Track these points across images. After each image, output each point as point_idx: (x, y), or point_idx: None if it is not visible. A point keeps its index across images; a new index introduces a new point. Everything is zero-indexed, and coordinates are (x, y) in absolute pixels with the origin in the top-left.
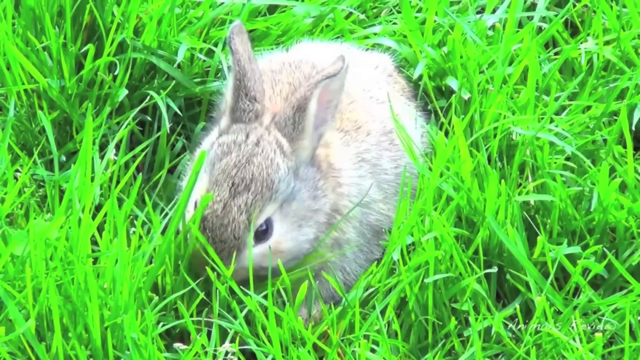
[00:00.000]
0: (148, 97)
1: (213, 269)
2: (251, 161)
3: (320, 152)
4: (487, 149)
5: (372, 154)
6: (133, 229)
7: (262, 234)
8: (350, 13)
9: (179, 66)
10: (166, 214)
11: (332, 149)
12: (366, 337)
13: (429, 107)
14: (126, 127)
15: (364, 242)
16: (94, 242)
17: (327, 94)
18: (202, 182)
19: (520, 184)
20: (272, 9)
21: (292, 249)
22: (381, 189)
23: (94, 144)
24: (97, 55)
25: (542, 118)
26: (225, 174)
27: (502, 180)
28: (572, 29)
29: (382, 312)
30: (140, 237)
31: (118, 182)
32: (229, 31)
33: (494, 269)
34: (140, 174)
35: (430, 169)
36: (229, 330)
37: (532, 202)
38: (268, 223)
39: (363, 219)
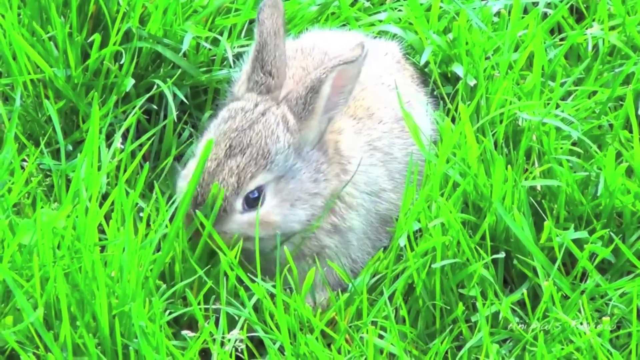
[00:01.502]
0: (154, 86)
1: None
2: (252, 127)
3: (329, 137)
4: (493, 135)
5: (384, 142)
6: (141, 214)
7: (253, 202)
8: (356, 1)
9: (184, 55)
10: (173, 202)
11: (343, 135)
12: (374, 323)
13: (435, 94)
14: (133, 116)
15: (371, 230)
16: (102, 231)
17: (342, 79)
18: (203, 141)
19: (527, 170)
20: None
21: (279, 224)
22: (392, 179)
23: (100, 133)
24: (103, 44)
25: (548, 103)
26: (225, 135)
27: (509, 166)
28: (578, 14)
29: (390, 298)
30: (149, 224)
31: (125, 170)
32: (262, 2)
33: (501, 255)
34: (147, 162)
35: (436, 155)
36: (237, 317)
37: (538, 188)
38: (260, 192)
39: (372, 207)
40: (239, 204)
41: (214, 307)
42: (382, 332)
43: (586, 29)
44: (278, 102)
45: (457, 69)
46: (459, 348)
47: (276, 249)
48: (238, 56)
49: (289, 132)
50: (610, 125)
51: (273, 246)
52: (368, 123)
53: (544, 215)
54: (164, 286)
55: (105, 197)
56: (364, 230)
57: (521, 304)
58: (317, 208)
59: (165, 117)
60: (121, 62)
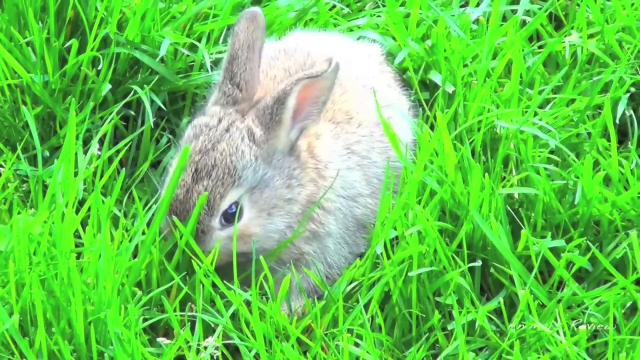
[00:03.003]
0: (132, 92)
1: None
2: (216, 147)
3: (302, 142)
4: (471, 143)
5: (362, 146)
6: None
7: (231, 216)
8: (334, 6)
9: (162, 61)
10: (150, 208)
11: (320, 140)
12: (350, 331)
13: (413, 99)
14: (110, 121)
15: (347, 235)
16: (79, 237)
17: (313, 90)
18: (173, 164)
19: (504, 178)
20: (255, 3)
21: (259, 235)
22: (369, 184)
23: (77, 138)
24: (81, 50)
25: (526, 111)
26: (190, 159)
27: (486, 174)
28: (556, 22)
29: (366, 306)
30: (126, 229)
31: (102, 176)
32: (240, 14)
33: (478, 263)
34: (124, 168)
35: (414, 162)
36: (212, 324)
37: (516, 196)
38: (238, 207)
39: (348, 212)
40: (215, 222)
41: (189, 314)
42: (358, 340)
43: (565, 36)
44: (244, 113)
45: (435, 76)
46: (435, 356)
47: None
48: (216, 62)
49: (255, 144)
50: (588, 134)
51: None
52: (346, 127)
53: (521, 223)
54: (139, 293)
55: (82, 203)
56: (341, 235)
57: (498, 312)
58: (294, 215)
59: (142, 123)
60: (99, 68)
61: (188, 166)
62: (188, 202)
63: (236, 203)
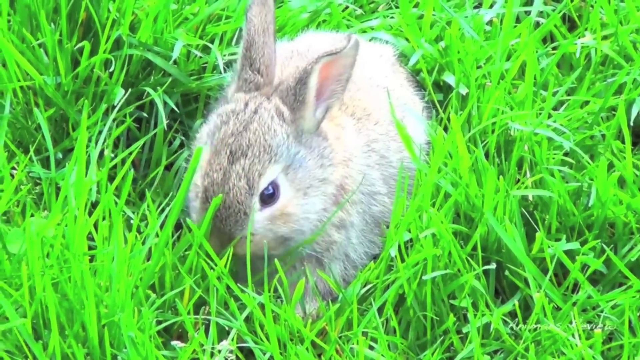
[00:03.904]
0: (145, 94)
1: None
2: (248, 128)
3: (331, 129)
4: (484, 145)
5: (380, 145)
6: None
7: (269, 198)
8: (347, 7)
9: (175, 63)
10: (163, 211)
11: (346, 131)
12: (364, 334)
13: (426, 100)
14: (123, 124)
15: (366, 231)
16: (92, 239)
17: (335, 68)
18: (204, 153)
19: (519, 180)
20: None
21: (297, 215)
22: (387, 183)
23: (90, 141)
24: (93, 52)
25: (540, 113)
26: (223, 143)
27: (500, 176)
28: (570, 23)
29: (380, 309)
30: (139, 230)
31: (115, 179)
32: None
33: (493, 266)
34: (132, 170)
35: (428, 164)
36: (226, 328)
37: (530, 198)
38: (274, 187)
39: (367, 208)
40: (256, 203)
41: (203, 317)
42: (372, 343)
43: (578, 38)
44: (269, 96)
45: (449, 78)
46: (450, 359)
47: (297, 247)
48: (229, 64)
49: (285, 122)
50: (603, 136)
51: (296, 243)
52: (366, 124)
53: (535, 226)
54: (153, 296)
55: (95, 205)
56: (361, 229)
57: (512, 315)
58: (328, 197)
59: (155, 125)
60: (111, 70)
61: (221, 150)
62: (227, 182)
63: (273, 183)
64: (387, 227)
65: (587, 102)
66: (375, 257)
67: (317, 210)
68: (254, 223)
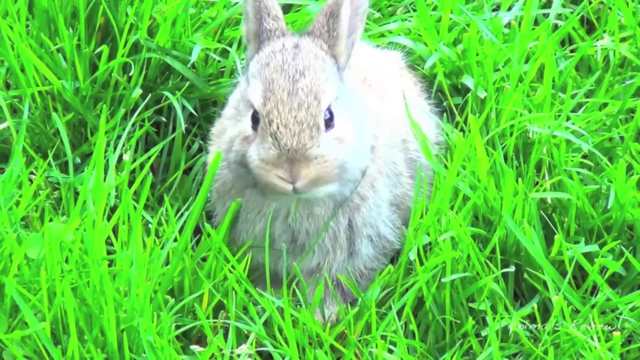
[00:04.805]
0: (163, 98)
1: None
2: (296, 58)
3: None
4: (503, 148)
5: (399, 127)
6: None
7: (328, 122)
8: None
9: (193, 66)
10: (182, 215)
11: (370, 100)
12: (383, 337)
13: (444, 104)
14: (141, 128)
15: (391, 210)
16: (111, 244)
17: (354, 1)
18: (255, 87)
19: (537, 183)
20: (286, 8)
21: (353, 143)
22: (408, 166)
23: (108, 145)
24: (111, 56)
25: (559, 116)
26: (279, 70)
27: (519, 179)
28: (588, 25)
29: (399, 313)
30: (159, 235)
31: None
32: None
33: (512, 268)
34: (151, 175)
35: (446, 167)
36: (245, 332)
37: (549, 201)
38: (330, 111)
39: (391, 188)
40: (323, 121)
41: (222, 321)
42: (391, 347)
43: (597, 40)
44: (300, 36)
45: (467, 80)
46: None
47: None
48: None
49: (327, 54)
50: (621, 138)
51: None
52: (387, 102)
53: (554, 228)
54: (172, 300)
55: (114, 210)
56: (390, 201)
57: (531, 318)
58: (370, 140)
59: (174, 129)
60: (130, 74)
61: (279, 76)
62: (295, 99)
63: (329, 110)
64: (407, 211)
65: (605, 105)
66: (392, 260)
67: (366, 145)
68: (325, 141)
